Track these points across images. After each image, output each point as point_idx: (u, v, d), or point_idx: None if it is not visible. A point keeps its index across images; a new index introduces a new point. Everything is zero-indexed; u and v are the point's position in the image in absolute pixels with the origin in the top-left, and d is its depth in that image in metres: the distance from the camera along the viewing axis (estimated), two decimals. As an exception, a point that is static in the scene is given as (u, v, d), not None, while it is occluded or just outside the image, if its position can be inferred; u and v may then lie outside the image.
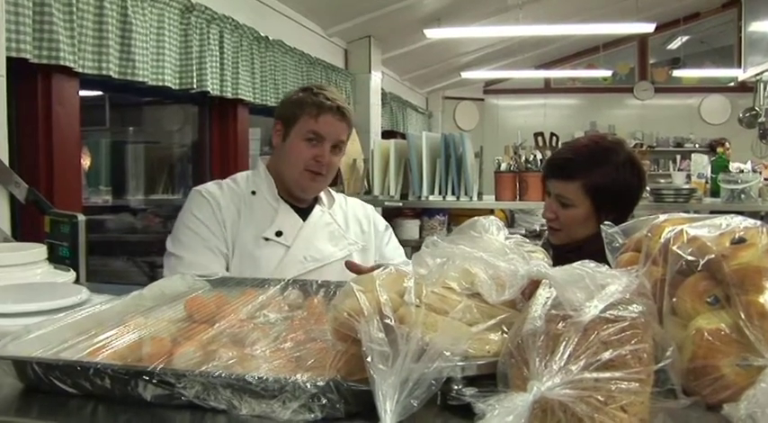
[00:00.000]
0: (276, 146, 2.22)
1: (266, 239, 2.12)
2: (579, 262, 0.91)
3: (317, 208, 2.25)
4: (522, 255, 1.02)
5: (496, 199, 4.70)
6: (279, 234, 2.13)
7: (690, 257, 0.96)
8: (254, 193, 2.20)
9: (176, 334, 1.14)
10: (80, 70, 2.91)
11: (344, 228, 2.27)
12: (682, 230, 1.01)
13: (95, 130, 5.62)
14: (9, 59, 2.56)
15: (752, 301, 0.88)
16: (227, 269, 2.09)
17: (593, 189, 2.07)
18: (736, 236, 0.97)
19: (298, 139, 2.15)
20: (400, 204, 4.67)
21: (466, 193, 4.57)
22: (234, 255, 2.11)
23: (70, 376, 0.96)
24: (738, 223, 1.00)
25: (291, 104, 2.18)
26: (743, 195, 4.60)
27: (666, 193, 4.69)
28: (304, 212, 2.22)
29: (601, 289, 0.85)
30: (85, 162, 5.54)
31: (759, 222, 1.00)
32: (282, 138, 2.19)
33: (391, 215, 4.64)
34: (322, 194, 2.30)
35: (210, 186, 2.22)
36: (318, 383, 0.86)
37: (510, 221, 5.80)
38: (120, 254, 5.25)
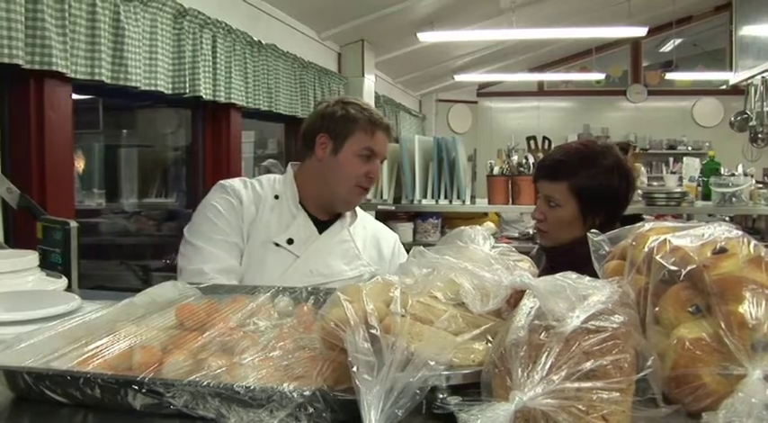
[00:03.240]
0: (322, 159, 2.16)
1: (277, 245, 2.10)
2: (561, 273, 0.92)
3: (338, 223, 2.22)
4: (506, 265, 1.03)
5: (489, 202, 4.71)
6: (290, 242, 2.10)
7: (672, 267, 0.98)
8: (277, 197, 2.18)
9: (167, 342, 1.15)
10: (72, 76, 2.91)
11: (361, 248, 2.22)
12: (665, 240, 1.02)
13: (89, 134, 5.61)
14: (1, 65, 2.57)
15: (732, 311, 0.90)
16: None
17: (580, 190, 2.12)
18: (718, 246, 0.99)
19: (351, 154, 2.13)
20: (393, 208, 4.67)
21: (458, 197, 4.58)
22: (244, 255, 2.10)
23: (60, 386, 0.97)
24: (720, 233, 1.02)
25: (341, 119, 2.15)
26: (734, 199, 4.62)
27: (658, 197, 4.70)
28: (323, 225, 2.19)
29: (583, 299, 0.86)
30: (79, 165, 5.54)
31: (740, 232, 1.02)
32: (333, 152, 2.15)
33: (384, 219, 4.65)
34: None
35: (235, 182, 2.21)
36: (305, 393, 0.88)
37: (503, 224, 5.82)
38: (113, 257, 5.24)
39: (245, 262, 2.09)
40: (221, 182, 2.20)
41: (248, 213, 2.13)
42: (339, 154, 2.14)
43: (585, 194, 2.13)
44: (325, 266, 2.11)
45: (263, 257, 2.09)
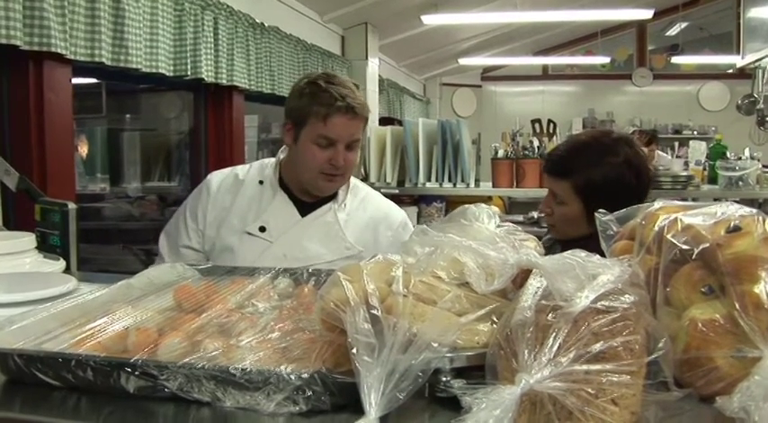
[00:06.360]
0: (288, 145, 2.10)
1: (249, 234, 2.06)
2: (569, 251, 0.89)
3: (326, 205, 2.13)
4: (512, 243, 1.00)
5: (493, 186, 4.68)
6: (262, 229, 2.06)
7: (684, 246, 0.94)
8: (261, 182, 2.14)
9: (163, 324, 1.12)
10: (72, 57, 2.88)
11: (351, 231, 2.13)
12: (676, 218, 0.99)
13: (92, 118, 5.60)
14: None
15: (746, 290, 0.86)
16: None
17: (584, 189, 2.02)
18: (732, 224, 0.95)
19: (308, 142, 2.01)
20: (397, 191, 4.64)
21: (463, 180, 4.55)
22: (216, 246, 2.09)
23: (52, 368, 0.94)
24: (734, 211, 0.98)
25: (299, 101, 2.02)
26: (740, 182, 4.58)
27: (664, 181, 4.67)
28: (313, 207, 2.13)
29: (592, 279, 0.83)
30: (82, 150, 5.53)
31: (755, 210, 0.98)
32: (294, 139, 2.06)
33: (388, 202, 4.61)
34: (340, 190, 2.17)
35: (218, 173, 2.21)
36: (303, 375, 0.85)
37: (508, 208, 5.79)
38: (116, 241, 5.23)
39: (218, 253, 2.08)
40: (210, 173, 2.23)
41: (217, 205, 2.13)
42: (299, 142, 2.05)
43: (590, 193, 2.01)
44: (300, 250, 2.05)
45: (234, 247, 2.06)
